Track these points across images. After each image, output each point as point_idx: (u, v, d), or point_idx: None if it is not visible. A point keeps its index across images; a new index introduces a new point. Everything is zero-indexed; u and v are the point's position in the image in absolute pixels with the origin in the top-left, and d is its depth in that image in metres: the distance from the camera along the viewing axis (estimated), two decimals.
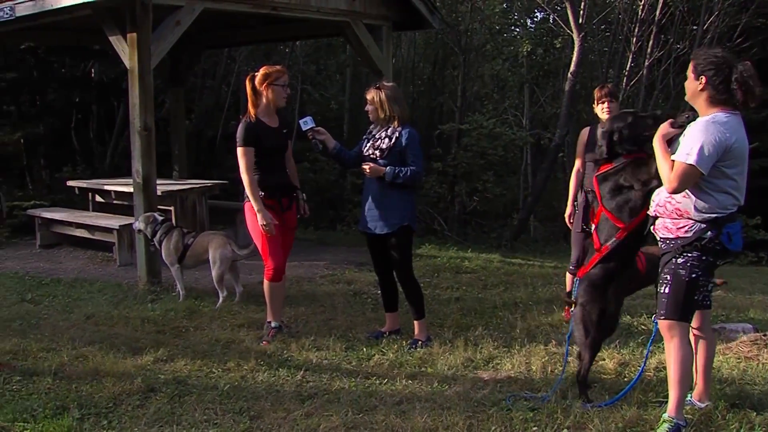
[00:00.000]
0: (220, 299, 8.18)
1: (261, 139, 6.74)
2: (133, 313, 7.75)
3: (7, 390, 5.53)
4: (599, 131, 7.30)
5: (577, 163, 7.70)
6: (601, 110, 7.44)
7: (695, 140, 4.53)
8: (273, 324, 6.99)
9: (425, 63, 23.46)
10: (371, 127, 6.95)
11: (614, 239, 5.27)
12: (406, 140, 6.59)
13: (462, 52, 19.84)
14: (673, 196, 4.69)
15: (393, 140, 6.62)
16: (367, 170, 6.65)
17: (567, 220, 7.76)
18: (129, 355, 6.30)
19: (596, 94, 7.55)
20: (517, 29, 23.74)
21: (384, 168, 6.58)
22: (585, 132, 7.73)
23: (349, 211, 17.44)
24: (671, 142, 4.82)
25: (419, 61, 23.33)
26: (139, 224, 8.68)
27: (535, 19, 23.28)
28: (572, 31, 15.79)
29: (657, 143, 4.82)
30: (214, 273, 8.24)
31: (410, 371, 6.09)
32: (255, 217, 6.73)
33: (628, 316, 7.60)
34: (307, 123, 6.81)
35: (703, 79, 4.64)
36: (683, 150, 4.57)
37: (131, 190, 9.45)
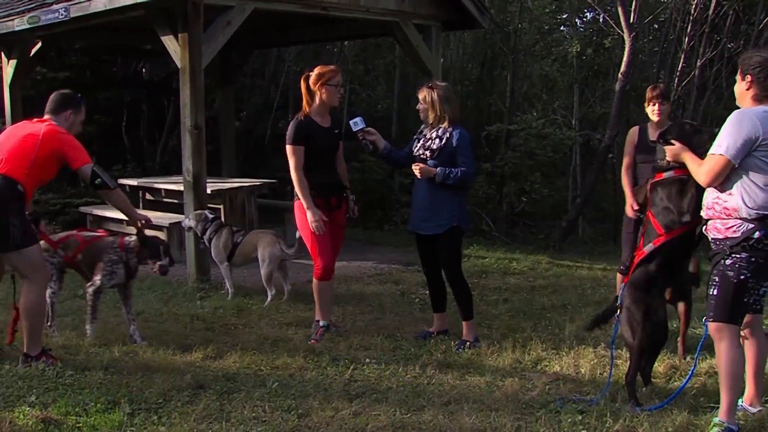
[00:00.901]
0: (269, 297, 8.22)
1: (312, 138, 6.75)
2: (182, 310, 7.82)
3: (60, 384, 5.61)
4: (650, 131, 7.29)
5: (626, 161, 7.61)
6: (652, 111, 7.35)
7: (725, 131, 4.59)
8: (321, 323, 7.00)
9: (473, 63, 23.37)
10: (422, 127, 6.93)
11: (650, 245, 5.27)
12: (456, 141, 6.57)
13: (511, 52, 19.73)
14: (720, 196, 4.67)
15: (444, 141, 6.60)
16: (418, 171, 6.63)
17: (629, 210, 7.52)
18: (178, 352, 6.36)
19: (648, 94, 7.46)
20: (566, 29, 23.55)
21: (435, 169, 6.56)
22: (635, 131, 7.64)
23: (397, 211, 17.41)
24: None
25: (467, 62, 23.24)
26: (189, 221, 8.74)
27: (585, 19, 23.08)
28: (623, 31, 15.62)
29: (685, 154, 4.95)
30: (263, 271, 8.28)
31: (458, 372, 6.07)
32: (305, 216, 6.74)
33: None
34: (357, 123, 6.82)
35: (749, 78, 4.64)
36: (715, 142, 4.58)
37: (181, 188, 9.54)
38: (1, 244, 5.88)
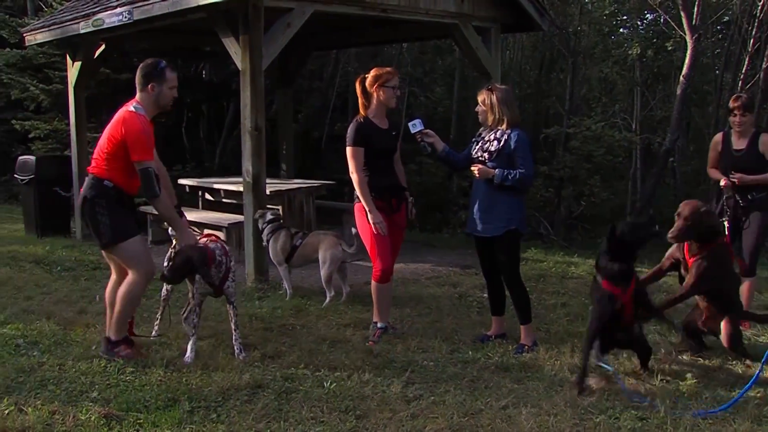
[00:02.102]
0: (328, 299, 8.25)
1: (371, 139, 6.77)
2: (241, 310, 7.83)
3: (121, 380, 5.70)
4: (734, 139, 7.31)
5: (710, 164, 7.66)
6: (733, 122, 7.35)
7: None
8: (379, 325, 7.01)
9: (531, 65, 23.26)
10: (480, 129, 6.91)
11: None
12: (515, 143, 6.52)
13: (570, 54, 19.59)
14: None
15: (502, 143, 6.56)
16: (476, 172, 6.61)
17: (723, 179, 7.53)
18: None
19: (730, 104, 7.52)
20: (626, 31, 23.31)
21: (493, 170, 6.53)
22: (718, 138, 7.66)
23: (455, 214, 17.40)
24: None
25: (525, 64, 23.14)
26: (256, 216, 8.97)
27: (645, 21, 22.82)
28: (685, 33, 15.43)
29: None
30: (323, 273, 8.31)
31: (516, 376, 6.03)
32: (365, 218, 6.76)
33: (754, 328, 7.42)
34: (415, 125, 6.80)
35: None
36: None
37: (240, 188, 9.61)
38: (97, 240, 6.16)
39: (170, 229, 6.71)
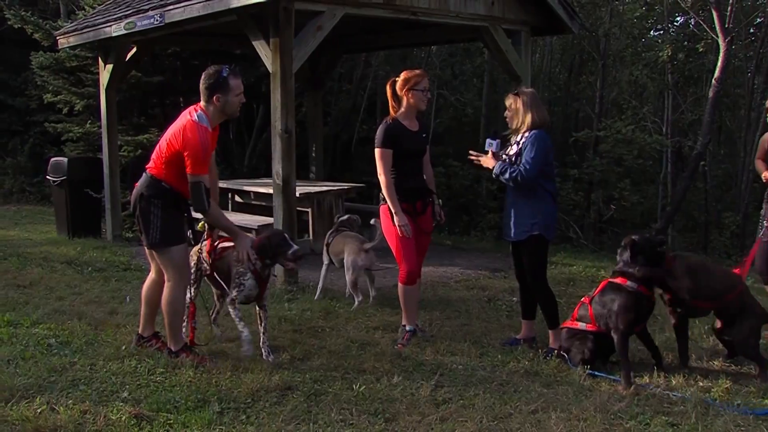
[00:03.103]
0: (356, 303, 8.26)
1: (399, 141, 6.77)
2: (270, 312, 7.84)
3: (151, 381, 5.73)
4: None
5: (757, 158, 7.69)
6: None
7: None
8: (408, 327, 7.00)
9: (561, 68, 23.16)
10: (509, 132, 6.90)
11: None
12: (526, 143, 6.52)
13: (601, 57, 19.50)
14: None
15: (519, 146, 6.57)
16: (475, 158, 6.68)
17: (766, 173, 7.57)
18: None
19: (767, 104, 7.49)
20: (657, 34, 23.16)
21: (493, 161, 6.58)
22: (767, 137, 7.65)
23: (484, 217, 17.36)
24: None
25: (555, 66, 23.05)
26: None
27: (676, 23, 22.68)
28: (717, 36, 15.30)
29: None
30: (347, 278, 8.33)
31: (545, 380, 6.01)
32: (390, 220, 6.77)
33: None
34: (491, 144, 6.79)
35: None
36: None
37: (270, 191, 9.65)
38: (144, 238, 6.17)
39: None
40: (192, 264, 6.54)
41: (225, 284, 6.47)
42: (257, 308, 6.47)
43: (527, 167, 6.46)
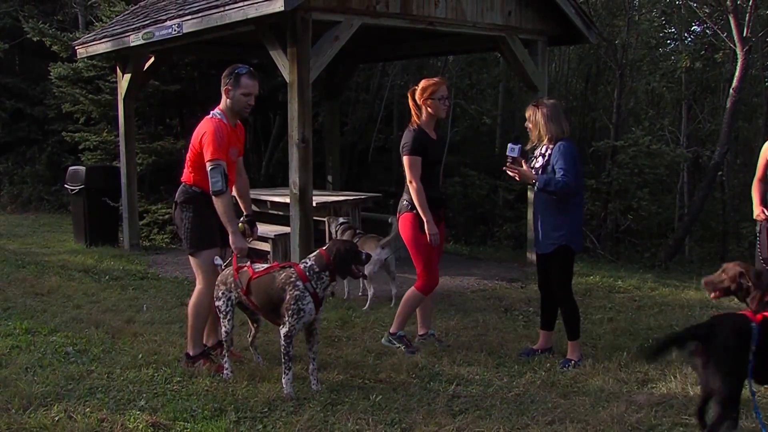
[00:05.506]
0: (369, 296, 8.72)
1: (426, 149, 6.77)
2: None
3: (168, 389, 5.75)
4: None
5: (759, 173, 7.35)
6: None
7: None
8: (399, 333, 7.11)
9: (578, 78, 23.12)
10: (530, 144, 6.87)
11: None
12: (556, 153, 6.49)
13: (618, 67, 19.45)
14: None
15: (546, 158, 6.54)
16: (516, 175, 6.61)
17: (760, 213, 7.16)
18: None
19: None
20: (674, 43, 23.09)
21: (534, 174, 6.52)
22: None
23: (500, 227, 17.32)
24: None
25: (572, 76, 23.00)
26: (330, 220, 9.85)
27: (693, 33, 22.60)
28: (735, 45, 15.23)
29: None
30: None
31: (562, 391, 5.98)
32: (412, 229, 6.76)
33: None
34: (513, 149, 6.74)
35: None
36: None
37: (287, 200, 9.66)
38: (183, 245, 6.32)
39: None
40: (220, 294, 6.06)
41: (261, 310, 5.99)
42: (304, 331, 5.89)
43: (569, 177, 6.41)
